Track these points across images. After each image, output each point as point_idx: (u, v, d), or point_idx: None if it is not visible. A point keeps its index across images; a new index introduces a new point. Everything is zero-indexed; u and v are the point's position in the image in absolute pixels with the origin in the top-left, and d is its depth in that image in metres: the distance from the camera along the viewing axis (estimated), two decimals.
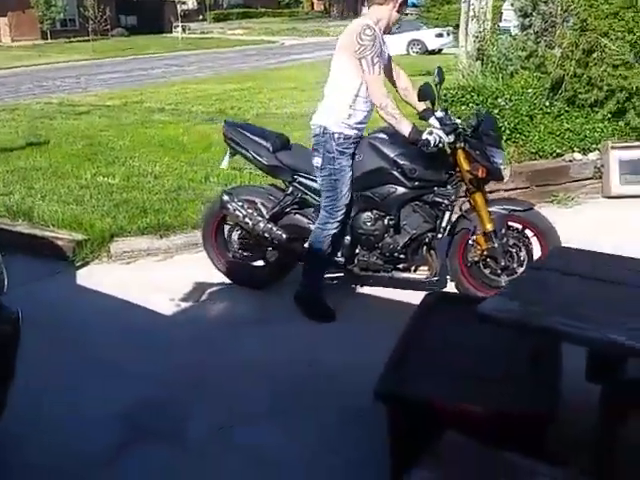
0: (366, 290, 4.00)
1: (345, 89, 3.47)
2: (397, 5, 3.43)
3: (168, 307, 3.91)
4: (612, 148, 5.71)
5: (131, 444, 2.71)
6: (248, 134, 3.91)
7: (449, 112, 3.66)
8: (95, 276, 4.34)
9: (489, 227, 3.58)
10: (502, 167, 3.59)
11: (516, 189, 5.38)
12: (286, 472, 2.52)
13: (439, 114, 3.49)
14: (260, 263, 4.10)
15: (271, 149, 3.80)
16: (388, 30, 3.53)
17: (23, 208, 5.22)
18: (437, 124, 3.43)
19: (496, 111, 6.09)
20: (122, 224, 4.92)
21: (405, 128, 3.41)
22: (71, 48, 29.74)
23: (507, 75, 7.32)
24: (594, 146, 5.94)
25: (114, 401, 2.97)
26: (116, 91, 13.58)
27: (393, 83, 3.79)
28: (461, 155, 3.50)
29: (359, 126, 3.55)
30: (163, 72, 18.99)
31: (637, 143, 5.93)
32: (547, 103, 6.42)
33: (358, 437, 2.65)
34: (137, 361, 3.31)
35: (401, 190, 3.60)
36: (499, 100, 6.45)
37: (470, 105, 6.42)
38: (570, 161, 5.81)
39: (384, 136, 3.63)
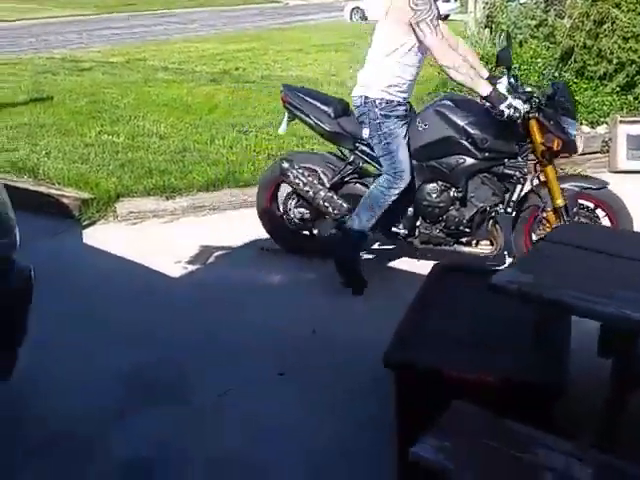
0: (385, 258, 3.99)
1: (387, 59, 3.36)
2: None
3: (174, 269, 3.93)
4: (620, 122, 5.67)
5: (136, 406, 2.73)
6: (308, 98, 3.77)
7: (519, 80, 3.49)
8: (102, 236, 4.35)
9: (560, 202, 3.45)
10: (576, 138, 3.43)
11: None
12: (290, 437, 2.55)
13: (511, 81, 3.35)
14: (311, 233, 4.00)
15: (333, 115, 3.67)
16: None
17: (28, 165, 5.20)
18: (506, 91, 3.27)
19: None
20: (128, 184, 4.92)
21: (483, 89, 3.23)
22: (73, 2, 29.20)
23: (516, 44, 7.23)
24: (602, 119, 5.91)
25: (117, 363, 2.99)
26: (118, 48, 13.41)
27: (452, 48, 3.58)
28: (534, 125, 3.35)
29: (402, 91, 3.43)
30: (165, 29, 18.70)
31: None
32: (556, 74, 6.36)
33: (366, 406, 2.68)
34: (142, 322, 3.33)
35: (470, 161, 3.46)
36: None
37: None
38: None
39: (452, 104, 3.50)
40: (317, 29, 16.53)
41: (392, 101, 3.41)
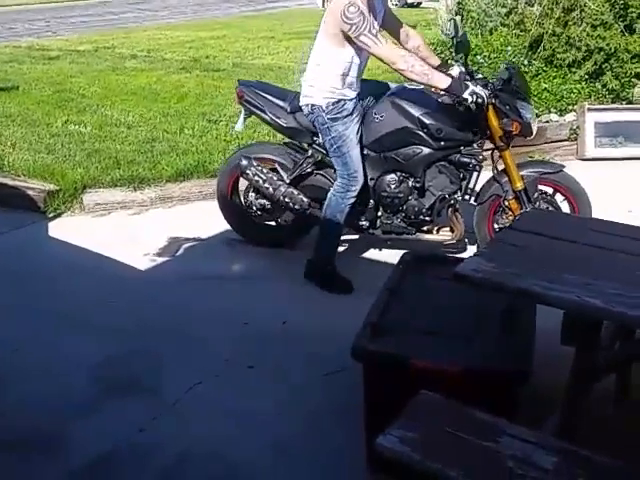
0: (353, 249, 3.99)
1: (328, 61, 3.34)
2: None
3: (142, 261, 3.88)
4: (588, 110, 5.72)
5: (105, 399, 2.70)
6: (264, 94, 3.74)
7: (469, 67, 3.51)
8: (68, 228, 4.28)
9: (519, 185, 3.49)
10: (532, 122, 3.45)
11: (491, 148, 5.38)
12: (259, 430, 2.53)
13: (462, 68, 3.37)
14: (276, 223, 3.99)
15: (289, 110, 3.64)
16: None
17: None
18: (472, 85, 3.25)
19: (474, 68, 6.04)
20: (95, 175, 4.85)
21: (442, 82, 3.21)
22: None
23: (486, 32, 7.25)
24: (571, 107, 5.95)
25: (85, 355, 2.96)
26: (87, 35, 13.16)
27: (402, 43, 3.63)
28: (491, 110, 3.36)
29: (347, 89, 3.41)
30: (135, 17, 18.42)
31: (613, 105, 5.96)
32: (525, 62, 6.39)
33: (336, 397, 2.68)
34: (109, 315, 3.29)
35: (426, 150, 3.49)
36: (478, 57, 6.40)
37: (449, 61, 6.35)
38: (547, 122, 5.82)
39: (407, 94, 3.50)
40: (288, 16, 16.38)
41: (338, 101, 3.40)
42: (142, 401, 2.70)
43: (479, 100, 3.23)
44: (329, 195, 3.56)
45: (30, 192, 4.57)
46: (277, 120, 3.70)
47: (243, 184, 3.99)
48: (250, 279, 3.71)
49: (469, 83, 3.25)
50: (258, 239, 4.03)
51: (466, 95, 3.21)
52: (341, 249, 3.93)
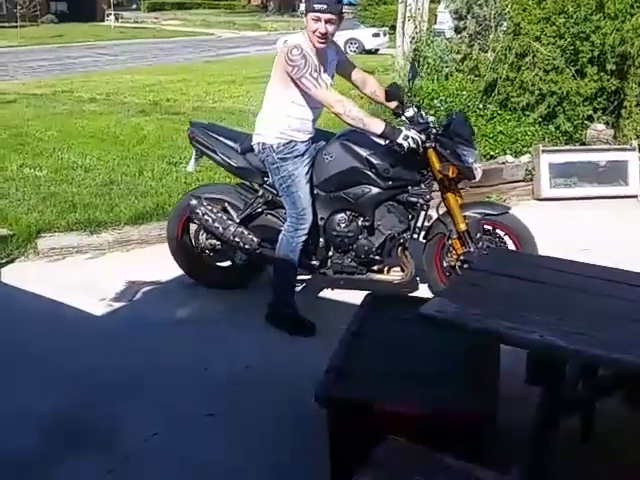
0: (315, 290, 3.95)
1: (279, 102, 3.40)
2: (308, 17, 3.24)
3: (98, 307, 3.77)
4: (543, 152, 5.86)
5: (58, 451, 2.58)
6: (215, 135, 3.77)
7: (421, 109, 3.60)
8: (21, 274, 4.15)
9: (462, 227, 3.55)
10: (475, 166, 3.52)
11: None
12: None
13: (409, 113, 3.45)
14: (228, 264, 3.95)
15: (239, 150, 3.67)
16: (326, 38, 3.28)
17: None
18: (408, 124, 3.36)
19: (432, 112, 6.16)
20: (50, 219, 4.74)
21: (377, 127, 3.29)
22: None
23: (442, 77, 7.44)
24: (526, 149, 6.10)
25: (37, 406, 2.83)
26: (45, 79, 13.11)
27: (360, 88, 3.72)
28: (432, 154, 3.44)
29: (299, 133, 3.45)
30: (94, 61, 18.44)
31: (567, 147, 6.13)
32: (480, 106, 6.55)
33: (297, 443, 2.60)
34: (65, 362, 3.17)
35: (375, 190, 3.53)
36: (435, 101, 6.54)
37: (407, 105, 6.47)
38: (503, 163, 5.94)
39: (356, 135, 3.54)
40: (250, 61, 16.58)
41: (289, 142, 3.45)
42: (96, 454, 2.57)
43: (413, 145, 3.29)
44: (280, 236, 3.57)
45: None
46: (228, 160, 3.72)
47: (193, 227, 3.95)
48: (210, 323, 3.62)
49: (402, 128, 3.33)
50: (210, 281, 3.99)
51: (400, 140, 3.28)
52: (301, 290, 3.89)
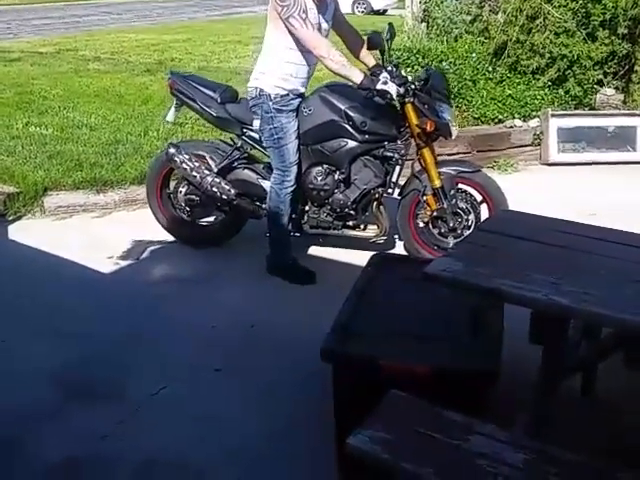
0: (320, 251, 3.96)
1: (276, 47, 3.41)
2: None
3: (106, 265, 3.81)
4: (552, 116, 5.81)
5: (67, 405, 2.63)
6: (196, 85, 3.79)
7: (399, 67, 3.63)
8: (28, 231, 4.18)
9: (437, 183, 3.59)
10: (450, 123, 3.55)
11: (458, 154, 5.44)
12: (227, 435, 2.48)
13: (389, 68, 3.48)
14: (207, 221, 4.01)
15: (219, 100, 3.71)
16: None
17: None
18: (388, 77, 3.38)
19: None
20: (56, 177, 4.75)
21: (357, 76, 3.34)
22: None
23: (452, 39, 7.32)
24: (534, 113, 6.04)
25: (47, 360, 2.89)
26: (49, 38, 12.95)
27: (347, 42, 3.73)
28: (410, 109, 3.47)
29: (296, 81, 3.47)
30: (99, 20, 18.17)
31: (576, 112, 6.06)
32: (490, 68, 6.47)
33: (303, 398, 2.65)
34: (72, 319, 3.22)
35: (352, 144, 3.56)
36: (443, 63, 6.45)
37: (415, 67, 6.41)
38: (511, 127, 5.90)
39: (335, 88, 3.60)
40: (255, 21, 16.34)
41: (286, 95, 3.47)
42: (105, 406, 2.63)
43: (392, 89, 3.34)
44: (269, 188, 3.62)
45: None
46: (207, 109, 3.74)
47: (172, 184, 4.00)
48: (216, 280, 3.65)
49: (380, 77, 3.35)
50: (189, 238, 4.03)
51: (379, 86, 3.32)
52: (303, 252, 3.91)
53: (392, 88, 3.35)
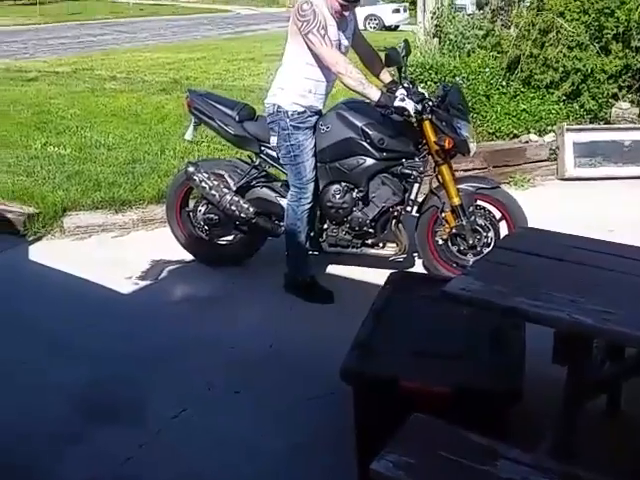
0: (337, 270, 3.96)
1: (295, 63, 3.43)
2: None
3: (124, 285, 3.82)
4: (567, 130, 5.79)
5: (89, 427, 2.63)
6: (214, 103, 3.82)
7: (415, 84, 3.63)
8: (48, 252, 4.21)
9: (456, 201, 3.57)
10: (469, 140, 3.54)
11: (474, 169, 5.43)
12: (248, 458, 2.47)
13: (406, 85, 3.47)
14: (226, 240, 4.02)
15: (237, 118, 3.73)
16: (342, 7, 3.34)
17: None
18: (405, 93, 3.38)
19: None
20: (75, 197, 4.79)
21: (374, 94, 3.34)
22: (17, 11, 28.54)
23: (464, 53, 7.34)
24: (549, 128, 6.02)
25: (68, 381, 2.90)
26: (65, 57, 13.13)
27: (364, 59, 3.75)
28: (428, 126, 3.46)
29: (314, 98, 3.48)
30: (114, 39, 18.40)
31: (591, 126, 6.04)
32: (503, 83, 6.47)
33: (323, 419, 2.64)
34: (92, 340, 3.23)
35: (370, 161, 3.56)
36: (457, 79, 6.46)
37: (428, 83, 6.42)
38: (527, 142, 5.88)
39: (352, 106, 3.59)
40: (268, 38, 16.49)
41: (304, 112, 3.48)
42: (127, 429, 2.64)
43: (409, 106, 3.33)
44: (286, 206, 3.62)
45: (9, 215, 4.49)
46: (225, 128, 3.76)
47: (192, 203, 4.02)
48: (234, 299, 3.66)
49: (397, 93, 3.35)
50: (208, 257, 4.04)
51: (397, 103, 3.32)
52: (321, 270, 3.91)
53: (410, 105, 3.35)
